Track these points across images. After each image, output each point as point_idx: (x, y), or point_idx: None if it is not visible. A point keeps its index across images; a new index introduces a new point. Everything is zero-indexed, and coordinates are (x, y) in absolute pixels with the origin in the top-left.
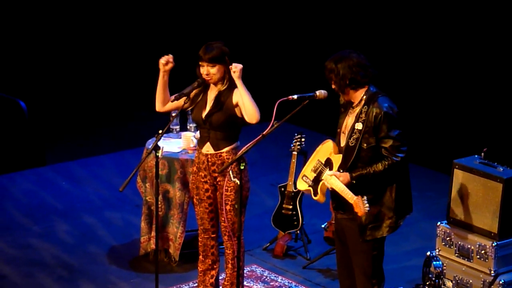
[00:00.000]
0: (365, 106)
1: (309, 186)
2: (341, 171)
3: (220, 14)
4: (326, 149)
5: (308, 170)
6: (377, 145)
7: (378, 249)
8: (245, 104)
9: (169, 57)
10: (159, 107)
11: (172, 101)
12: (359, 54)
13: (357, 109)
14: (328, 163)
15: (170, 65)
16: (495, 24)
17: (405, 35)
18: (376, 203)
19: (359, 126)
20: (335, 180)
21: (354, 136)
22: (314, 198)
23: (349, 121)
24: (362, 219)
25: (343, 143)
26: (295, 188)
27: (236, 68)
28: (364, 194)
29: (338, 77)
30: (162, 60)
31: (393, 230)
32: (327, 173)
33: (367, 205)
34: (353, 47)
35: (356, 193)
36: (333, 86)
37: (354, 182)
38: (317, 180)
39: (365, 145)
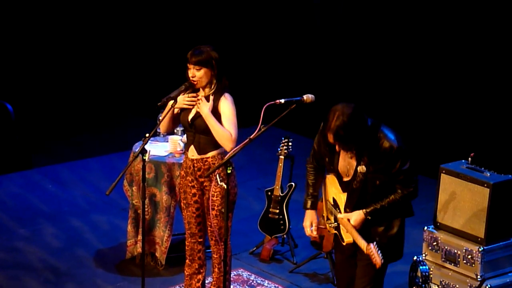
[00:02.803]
0: (366, 151)
1: (336, 230)
2: (348, 210)
3: (210, 17)
4: (331, 184)
5: (326, 211)
6: (390, 180)
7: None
8: (213, 133)
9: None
10: (163, 130)
11: (159, 105)
12: (353, 108)
13: (355, 151)
14: (336, 203)
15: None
16: (480, 31)
17: (392, 43)
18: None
19: (362, 169)
20: (347, 224)
21: (358, 179)
22: (344, 243)
23: (348, 162)
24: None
25: (345, 180)
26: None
27: (200, 104)
28: (376, 223)
29: (347, 140)
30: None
31: None
32: (339, 216)
33: (379, 252)
34: (340, 51)
35: (369, 225)
36: (339, 148)
37: (370, 217)
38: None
39: (378, 182)
